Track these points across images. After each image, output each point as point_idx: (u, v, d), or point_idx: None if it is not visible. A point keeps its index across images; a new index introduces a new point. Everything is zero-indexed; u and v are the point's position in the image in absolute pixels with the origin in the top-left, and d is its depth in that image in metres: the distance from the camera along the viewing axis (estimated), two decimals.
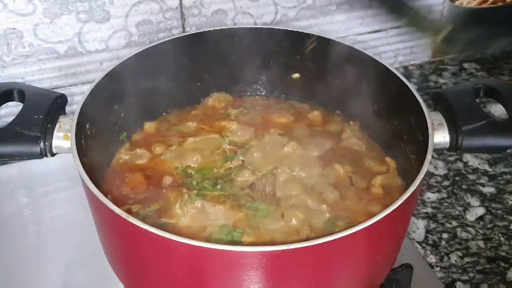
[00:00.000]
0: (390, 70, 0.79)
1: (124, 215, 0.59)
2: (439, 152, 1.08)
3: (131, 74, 0.83)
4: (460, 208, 0.97)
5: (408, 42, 1.28)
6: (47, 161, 0.73)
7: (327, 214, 0.75)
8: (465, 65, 1.34)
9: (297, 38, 0.88)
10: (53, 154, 0.71)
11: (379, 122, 0.85)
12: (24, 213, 0.96)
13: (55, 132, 0.70)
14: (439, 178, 1.03)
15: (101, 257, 0.74)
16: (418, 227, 0.94)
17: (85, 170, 0.64)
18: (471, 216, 0.96)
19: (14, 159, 0.70)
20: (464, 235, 0.93)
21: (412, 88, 0.75)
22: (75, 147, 0.67)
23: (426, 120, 0.70)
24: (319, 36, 0.87)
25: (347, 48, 0.84)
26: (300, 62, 0.91)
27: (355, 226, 0.58)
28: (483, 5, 1.34)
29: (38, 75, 1.02)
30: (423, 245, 0.91)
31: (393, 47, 1.28)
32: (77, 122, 0.70)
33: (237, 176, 0.80)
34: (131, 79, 0.84)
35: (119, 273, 0.74)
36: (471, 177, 1.04)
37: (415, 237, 0.93)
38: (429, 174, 1.04)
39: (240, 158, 0.82)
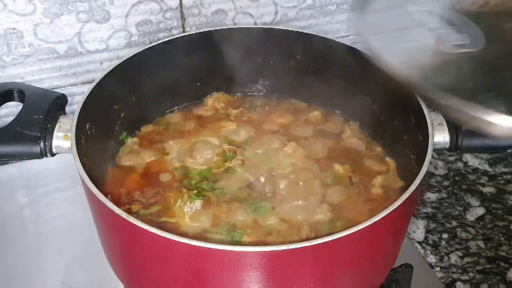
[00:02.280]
0: None
1: (124, 215, 0.59)
2: (439, 152, 1.08)
3: (131, 74, 0.83)
4: (460, 208, 0.97)
5: None
6: (47, 161, 0.73)
7: (327, 214, 0.74)
8: None
9: (297, 38, 0.88)
10: (53, 154, 0.71)
11: (379, 122, 0.85)
12: (24, 213, 0.96)
13: (55, 132, 0.70)
14: (439, 178, 1.03)
15: (101, 257, 0.74)
16: (418, 227, 0.94)
17: (85, 170, 0.64)
18: (471, 216, 0.96)
19: (14, 159, 0.70)
20: (464, 235, 0.93)
21: None
22: (75, 147, 0.67)
23: (426, 120, 0.70)
24: (319, 36, 0.87)
25: (347, 48, 0.84)
26: (300, 62, 0.91)
27: (355, 226, 0.57)
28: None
29: (38, 75, 1.02)
30: (423, 245, 0.91)
31: None
32: (77, 122, 0.70)
33: (236, 176, 0.80)
34: (131, 79, 0.84)
35: (119, 273, 0.74)
36: (471, 177, 1.04)
37: (415, 237, 0.92)
38: (429, 174, 1.04)
39: (240, 158, 0.82)
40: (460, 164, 1.06)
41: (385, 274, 0.74)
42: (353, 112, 0.90)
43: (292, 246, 0.56)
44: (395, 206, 0.60)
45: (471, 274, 0.87)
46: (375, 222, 0.58)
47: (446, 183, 1.02)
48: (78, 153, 0.66)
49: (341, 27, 1.19)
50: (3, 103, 0.73)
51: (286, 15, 1.12)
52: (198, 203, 0.75)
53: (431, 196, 1.00)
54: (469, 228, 0.94)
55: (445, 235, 0.93)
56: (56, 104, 0.72)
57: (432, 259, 0.89)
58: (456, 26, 0.56)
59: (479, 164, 1.06)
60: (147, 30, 1.03)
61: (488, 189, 1.01)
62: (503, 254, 0.90)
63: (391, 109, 0.81)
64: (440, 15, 0.59)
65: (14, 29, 0.95)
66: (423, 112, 0.71)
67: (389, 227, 0.65)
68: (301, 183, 0.79)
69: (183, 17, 1.05)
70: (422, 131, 0.71)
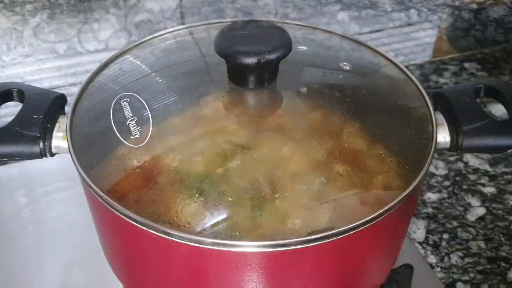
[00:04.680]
0: None
1: (124, 215, 0.59)
2: (440, 152, 1.08)
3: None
4: (461, 208, 0.97)
5: (408, 42, 1.28)
6: (46, 161, 0.73)
7: (327, 214, 0.74)
8: (466, 65, 1.33)
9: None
10: (52, 154, 0.71)
11: (380, 121, 0.84)
12: (24, 213, 0.96)
13: (54, 132, 0.70)
14: (439, 178, 1.03)
15: (100, 258, 0.74)
16: (418, 227, 0.94)
17: (84, 170, 0.64)
18: (471, 216, 0.96)
19: (13, 159, 0.70)
20: (464, 235, 0.93)
21: None
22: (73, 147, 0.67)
23: (427, 119, 0.70)
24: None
25: (348, 46, 0.84)
26: None
27: (355, 227, 0.57)
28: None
29: (38, 75, 1.02)
30: (424, 245, 0.91)
31: (393, 47, 1.28)
32: None
33: (236, 177, 0.80)
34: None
35: (118, 274, 0.74)
36: (472, 177, 1.03)
37: (416, 238, 0.92)
38: (430, 174, 1.04)
39: (240, 158, 0.82)
40: (460, 164, 1.06)
41: (385, 275, 0.74)
42: (353, 112, 0.89)
43: (292, 247, 0.56)
44: (395, 207, 0.60)
45: (471, 275, 0.86)
46: (375, 222, 0.58)
47: (446, 183, 1.02)
48: (77, 153, 0.66)
49: (341, 27, 1.19)
50: (3, 103, 0.73)
51: (287, 15, 1.12)
52: (197, 203, 0.74)
53: (431, 196, 1.00)
54: (470, 229, 0.94)
55: (445, 236, 0.93)
56: (55, 104, 0.72)
57: (432, 259, 0.89)
58: None
59: (480, 164, 1.06)
60: (147, 30, 1.03)
61: (489, 189, 1.01)
62: (504, 254, 0.90)
63: (392, 108, 0.81)
64: None
65: (13, 29, 0.95)
66: (425, 112, 0.71)
67: (390, 228, 0.65)
68: (301, 184, 0.78)
69: (183, 17, 1.05)
70: (423, 130, 0.71)
